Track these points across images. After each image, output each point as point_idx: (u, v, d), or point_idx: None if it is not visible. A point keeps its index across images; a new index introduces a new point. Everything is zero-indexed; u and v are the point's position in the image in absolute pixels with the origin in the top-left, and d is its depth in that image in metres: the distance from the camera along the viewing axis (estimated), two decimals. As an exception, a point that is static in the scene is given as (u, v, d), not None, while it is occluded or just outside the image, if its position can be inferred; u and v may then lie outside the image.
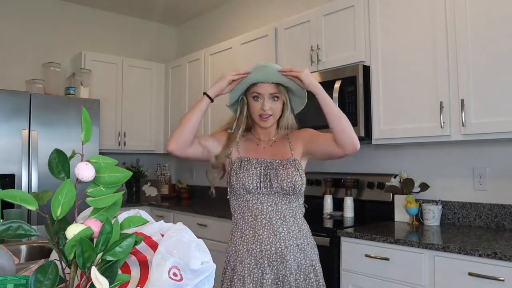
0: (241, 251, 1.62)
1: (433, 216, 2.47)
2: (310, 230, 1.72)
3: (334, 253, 2.33)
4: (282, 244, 1.59)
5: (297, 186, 1.61)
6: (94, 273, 0.58)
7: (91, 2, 4.34)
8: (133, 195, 4.46)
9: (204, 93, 1.66)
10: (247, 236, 1.62)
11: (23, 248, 1.70)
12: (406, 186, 2.58)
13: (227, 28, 4.31)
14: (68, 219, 0.66)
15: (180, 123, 1.64)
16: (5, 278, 0.65)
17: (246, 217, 1.63)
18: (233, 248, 1.65)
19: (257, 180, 1.61)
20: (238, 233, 1.65)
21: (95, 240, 0.63)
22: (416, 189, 2.57)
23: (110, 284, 0.61)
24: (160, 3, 4.40)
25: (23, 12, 4.03)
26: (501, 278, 1.73)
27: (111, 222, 0.64)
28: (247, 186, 1.60)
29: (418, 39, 2.39)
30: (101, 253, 0.63)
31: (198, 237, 0.95)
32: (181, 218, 3.62)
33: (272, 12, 3.82)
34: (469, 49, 2.17)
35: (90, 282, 0.60)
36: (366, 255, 2.21)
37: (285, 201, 1.62)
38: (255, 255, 1.59)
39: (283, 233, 1.60)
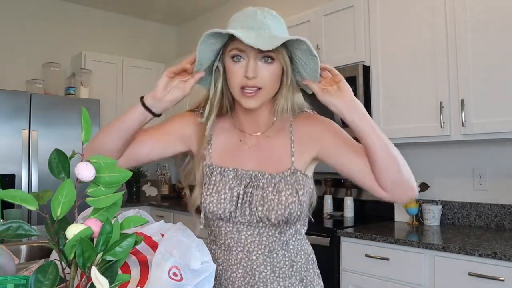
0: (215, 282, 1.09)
1: (433, 216, 2.47)
2: (313, 257, 1.18)
3: (334, 253, 2.33)
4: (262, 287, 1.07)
5: (293, 217, 1.03)
6: (94, 273, 0.58)
7: (91, 2, 4.33)
8: (133, 195, 4.46)
9: (141, 98, 1.04)
10: (219, 267, 1.11)
11: (23, 248, 1.70)
12: (406, 186, 2.58)
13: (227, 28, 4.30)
14: (68, 219, 0.66)
15: (99, 133, 1.07)
16: (5, 278, 0.65)
17: (219, 244, 1.11)
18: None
19: (231, 206, 1.04)
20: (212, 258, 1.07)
21: (95, 240, 0.63)
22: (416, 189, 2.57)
23: (110, 284, 0.61)
24: (160, 3, 4.40)
25: (23, 12, 4.03)
26: (501, 278, 1.73)
27: (111, 222, 0.64)
28: (216, 214, 1.05)
29: (418, 39, 2.39)
30: (101, 253, 0.63)
31: (198, 237, 0.95)
32: (181, 218, 3.61)
33: (272, 12, 3.81)
34: (469, 49, 2.17)
35: (90, 282, 0.60)
36: (366, 255, 2.21)
37: (273, 231, 1.06)
38: None
39: (264, 273, 1.06)
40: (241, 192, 1.05)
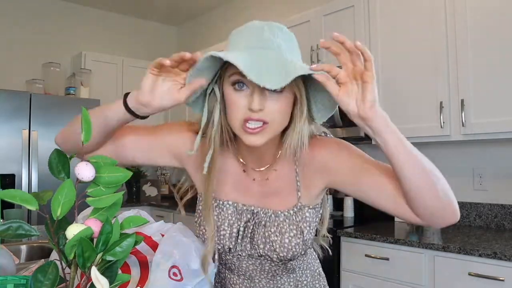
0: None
1: (433, 216, 2.47)
2: (319, 271, 1.15)
3: (334, 253, 2.33)
4: None
5: (296, 256, 0.94)
6: (94, 273, 0.58)
7: (91, 2, 4.33)
8: (133, 195, 4.46)
9: (125, 96, 0.86)
10: (222, 282, 1.05)
11: (23, 248, 1.70)
12: (406, 186, 2.58)
13: (227, 28, 4.30)
14: (68, 219, 0.66)
15: (73, 122, 0.93)
16: (5, 278, 0.65)
17: (220, 267, 1.03)
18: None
19: (231, 243, 0.94)
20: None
21: (95, 240, 0.63)
22: (416, 189, 2.57)
23: (110, 284, 0.61)
24: (160, 3, 4.40)
25: (23, 12, 4.03)
26: (501, 278, 1.73)
27: (111, 222, 0.64)
28: (215, 249, 0.95)
29: (418, 39, 2.39)
30: (101, 253, 0.63)
31: (198, 237, 0.95)
32: (181, 218, 3.61)
33: (272, 12, 3.82)
34: (469, 49, 2.17)
35: (90, 282, 0.60)
36: (366, 255, 2.21)
37: (276, 262, 0.96)
38: None
39: None
40: (241, 228, 0.94)
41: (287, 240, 0.91)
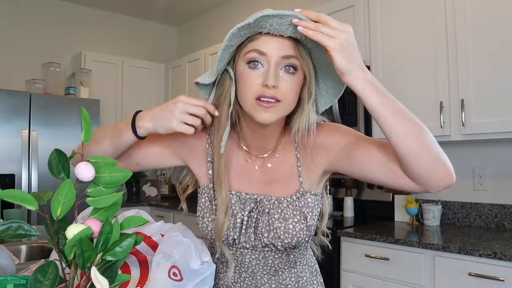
0: None
1: (433, 216, 2.47)
2: (316, 268, 1.13)
3: (334, 253, 2.33)
4: None
5: (301, 244, 0.95)
6: (94, 273, 0.58)
7: (91, 2, 4.33)
8: (133, 195, 4.46)
9: (133, 121, 0.91)
10: (221, 282, 1.04)
11: (23, 248, 1.70)
12: (406, 186, 2.58)
13: (227, 28, 4.27)
14: (68, 219, 0.66)
15: (92, 140, 0.83)
16: (5, 278, 0.65)
17: (221, 260, 1.03)
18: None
19: (235, 233, 0.95)
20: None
21: (95, 240, 0.63)
22: (416, 189, 2.57)
23: (110, 284, 0.61)
24: (160, 3, 4.40)
25: (23, 12, 4.03)
26: (501, 278, 1.73)
27: (111, 222, 0.64)
28: (218, 240, 0.95)
29: (418, 39, 2.39)
30: (101, 253, 0.63)
31: (198, 237, 0.95)
32: (181, 218, 3.62)
33: (272, 12, 3.81)
34: (469, 49, 2.17)
35: (90, 282, 0.60)
36: (366, 255, 2.21)
37: (280, 254, 0.97)
38: None
39: None
40: (245, 217, 0.95)
41: (291, 226, 0.92)
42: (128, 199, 4.37)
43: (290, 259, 0.99)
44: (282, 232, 0.92)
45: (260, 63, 0.85)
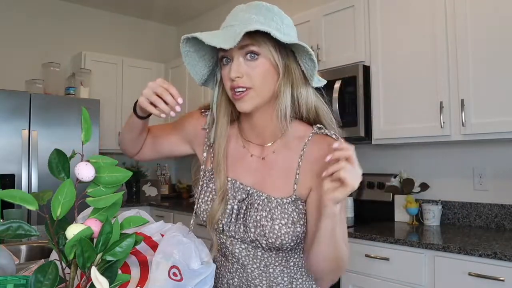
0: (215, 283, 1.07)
1: (433, 216, 2.47)
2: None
3: (334, 253, 2.33)
4: None
5: (286, 247, 0.96)
6: (94, 273, 0.58)
7: (91, 2, 4.33)
8: (133, 195, 4.46)
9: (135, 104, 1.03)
10: (217, 271, 1.06)
11: (23, 248, 1.70)
12: (406, 186, 2.58)
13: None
14: (68, 219, 0.66)
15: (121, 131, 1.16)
16: (5, 278, 0.65)
17: (216, 249, 1.06)
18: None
19: (223, 219, 0.99)
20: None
21: (95, 240, 0.63)
22: (416, 189, 2.57)
23: (110, 284, 0.61)
24: (160, 3, 4.40)
25: (23, 12, 4.03)
26: (501, 278, 1.73)
27: (111, 222, 0.64)
28: (210, 225, 1.02)
29: (418, 39, 2.39)
30: (101, 253, 0.63)
31: (198, 237, 0.95)
32: (181, 218, 3.61)
33: (272, 12, 3.81)
34: (469, 49, 2.17)
35: (90, 282, 0.60)
36: (366, 255, 2.21)
37: (269, 253, 0.99)
38: None
39: (260, 286, 1.01)
40: (235, 206, 0.98)
41: (277, 227, 0.93)
42: (128, 199, 4.37)
43: (280, 256, 0.99)
44: (267, 231, 0.93)
45: (229, 59, 0.93)
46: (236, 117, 1.05)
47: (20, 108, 3.31)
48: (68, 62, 4.22)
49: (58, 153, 0.67)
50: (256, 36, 0.88)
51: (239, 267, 1.01)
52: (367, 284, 2.20)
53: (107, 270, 0.63)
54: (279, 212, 0.94)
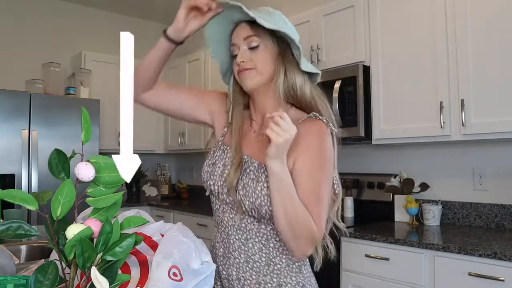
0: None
1: (433, 216, 2.47)
2: (301, 269, 1.13)
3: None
4: (234, 273, 1.11)
5: (264, 210, 1.05)
6: (94, 273, 0.58)
7: (91, 2, 4.34)
8: (133, 195, 4.46)
9: (164, 31, 1.19)
10: (212, 243, 1.19)
11: (23, 248, 1.70)
12: (406, 186, 2.59)
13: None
14: (68, 219, 0.66)
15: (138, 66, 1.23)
16: (5, 278, 0.65)
17: (214, 219, 1.21)
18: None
19: (219, 181, 1.12)
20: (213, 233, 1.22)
21: (95, 240, 0.63)
22: (416, 189, 2.57)
23: (110, 284, 0.61)
24: (160, 3, 4.40)
25: (23, 12, 4.03)
26: (501, 278, 1.73)
27: (111, 222, 0.64)
28: (208, 185, 1.16)
29: (418, 39, 2.39)
30: (101, 253, 0.63)
31: (198, 237, 0.95)
32: (181, 218, 3.62)
33: (272, 12, 3.81)
34: (469, 49, 2.17)
35: (90, 282, 0.60)
36: (366, 255, 2.21)
37: (252, 220, 1.09)
38: (217, 270, 1.14)
39: (238, 259, 1.10)
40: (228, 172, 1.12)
41: (259, 188, 1.04)
42: (128, 199, 4.37)
43: (262, 231, 1.09)
44: (251, 192, 1.05)
45: (236, 49, 1.13)
46: (247, 104, 1.22)
47: (20, 108, 3.31)
48: (68, 62, 4.23)
49: (58, 153, 0.67)
50: (258, 28, 1.09)
51: (225, 237, 1.12)
52: (367, 284, 2.20)
53: (107, 270, 0.63)
54: (264, 176, 1.05)
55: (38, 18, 4.10)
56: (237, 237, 1.10)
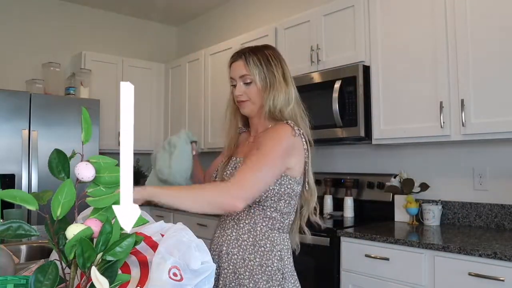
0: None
1: (433, 216, 2.47)
2: (281, 256, 1.36)
3: (334, 253, 2.33)
4: (224, 248, 1.38)
5: None
6: (94, 273, 0.58)
7: (91, 2, 4.33)
8: (133, 195, 4.45)
9: None
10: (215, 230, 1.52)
11: (23, 248, 1.70)
12: (406, 186, 2.58)
13: (227, 28, 4.31)
14: (68, 219, 0.66)
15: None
16: (5, 278, 0.65)
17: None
18: None
19: (219, 172, 1.49)
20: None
21: (95, 240, 0.63)
22: (416, 189, 2.57)
23: (110, 284, 0.61)
24: (160, 3, 4.40)
25: (23, 12, 4.03)
26: (501, 278, 1.73)
27: (111, 222, 0.64)
28: (209, 175, 1.62)
29: (418, 39, 2.39)
30: (101, 253, 0.63)
31: (198, 237, 0.95)
32: (181, 218, 3.61)
33: (272, 12, 3.81)
34: (469, 49, 2.17)
35: (90, 282, 0.60)
36: (366, 255, 2.21)
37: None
38: (212, 249, 1.44)
39: (229, 237, 1.39)
40: (229, 167, 1.46)
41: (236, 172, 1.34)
42: (128, 199, 4.36)
43: (251, 214, 1.36)
44: (231, 175, 1.36)
45: (234, 81, 1.46)
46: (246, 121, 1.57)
47: (20, 108, 3.31)
48: (68, 62, 4.22)
49: (58, 153, 0.67)
50: (250, 65, 1.41)
51: (223, 219, 1.43)
52: (367, 284, 2.20)
53: (107, 270, 0.63)
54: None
55: (38, 18, 4.10)
56: (230, 217, 1.40)
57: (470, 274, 1.82)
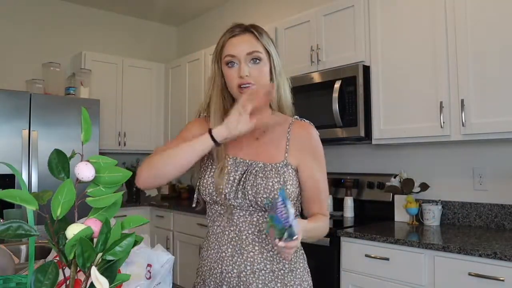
0: (204, 268, 1.25)
1: (433, 216, 2.47)
2: (302, 252, 1.31)
3: (334, 253, 2.33)
4: (248, 267, 1.16)
5: None
6: (94, 273, 0.58)
7: (91, 2, 4.34)
8: (133, 195, 4.46)
9: (210, 133, 1.13)
10: (212, 251, 1.24)
11: (23, 248, 1.70)
12: (406, 186, 2.58)
13: (227, 28, 4.30)
14: (68, 219, 0.66)
15: (163, 155, 1.18)
16: (6, 278, 0.65)
17: (215, 227, 1.25)
18: (199, 263, 1.30)
19: (226, 189, 1.18)
20: (205, 245, 1.30)
21: (95, 240, 0.63)
22: (416, 189, 2.57)
23: (110, 284, 0.61)
24: (160, 3, 4.40)
25: (23, 12, 4.03)
26: (501, 278, 1.73)
27: (111, 222, 0.64)
28: (214, 197, 1.20)
29: (418, 39, 2.39)
30: (101, 253, 0.63)
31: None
32: (181, 218, 3.61)
33: (272, 12, 3.82)
34: (469, 49, 2.17)
35: (90, 282, 0.60)
36: (366, 255, 2.21)
37: (263, 213, 1.18)
38: (215, 276, 1.21)
39: (252, 253, 1.17)
40: (237, 177, 1.18)
41: (270, 183, 1.15)
42: (128, 199, 4.37)
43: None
44: (262, 188, 1.14)
45: (234, 62, 1.20)
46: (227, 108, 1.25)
47: (20, 108, 3.31)
48: (68, 62, 4.22)
49: (58, 153, 0.67)
50: (262, 39, 1.20)
51: (235, 235, 1.19)
52: (367, 284, 2.20)
53: (107, 270, 0.63)
54: (273, 173, 1.17)
55: (38, 18, 4.10)
56: (250, 231, 1.18)
57: (470, 274, 1.82)
